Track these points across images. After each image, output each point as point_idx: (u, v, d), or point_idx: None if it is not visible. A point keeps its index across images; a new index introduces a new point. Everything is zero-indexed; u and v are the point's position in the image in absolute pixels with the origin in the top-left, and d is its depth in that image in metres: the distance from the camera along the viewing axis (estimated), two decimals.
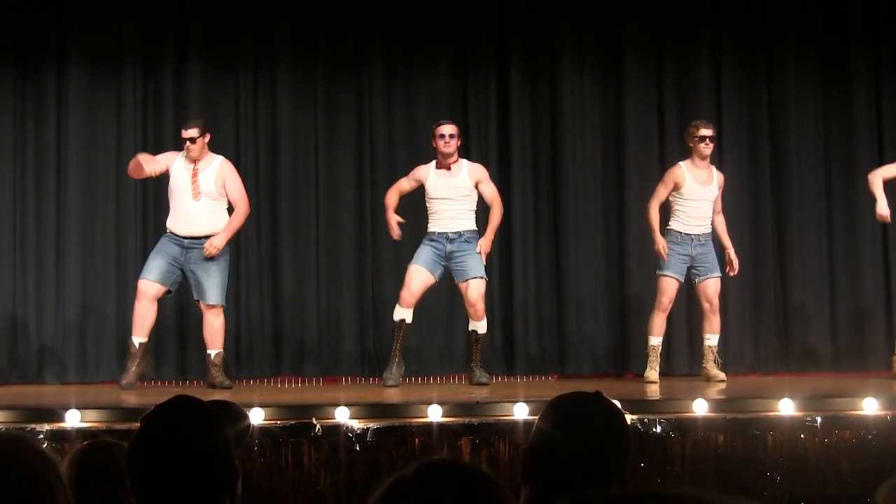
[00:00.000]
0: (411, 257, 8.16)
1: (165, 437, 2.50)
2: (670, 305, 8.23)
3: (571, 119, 9.55)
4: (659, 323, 8.21)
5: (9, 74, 9.18)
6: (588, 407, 2.66)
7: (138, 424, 2.59)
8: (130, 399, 6.98)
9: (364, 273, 9.39)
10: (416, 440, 5.49)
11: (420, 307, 8.28)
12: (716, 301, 8.19)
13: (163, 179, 8.06)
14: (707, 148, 8.12)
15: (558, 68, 9.57)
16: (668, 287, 8.14)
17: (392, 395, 7.28)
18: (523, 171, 9.54)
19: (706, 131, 8.14)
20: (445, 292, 8.72)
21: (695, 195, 8.12)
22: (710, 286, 8.17)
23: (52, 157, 9.18)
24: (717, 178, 8.21)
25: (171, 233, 7.87)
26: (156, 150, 8.72)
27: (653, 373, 8.12)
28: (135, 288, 8.05)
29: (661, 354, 8.29)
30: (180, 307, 8.94)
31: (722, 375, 8.05)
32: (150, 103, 9.31)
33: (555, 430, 2.57)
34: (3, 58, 9.19)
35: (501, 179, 9.43)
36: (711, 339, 8.20)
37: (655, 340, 8.20)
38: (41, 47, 9.22)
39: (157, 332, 8.52)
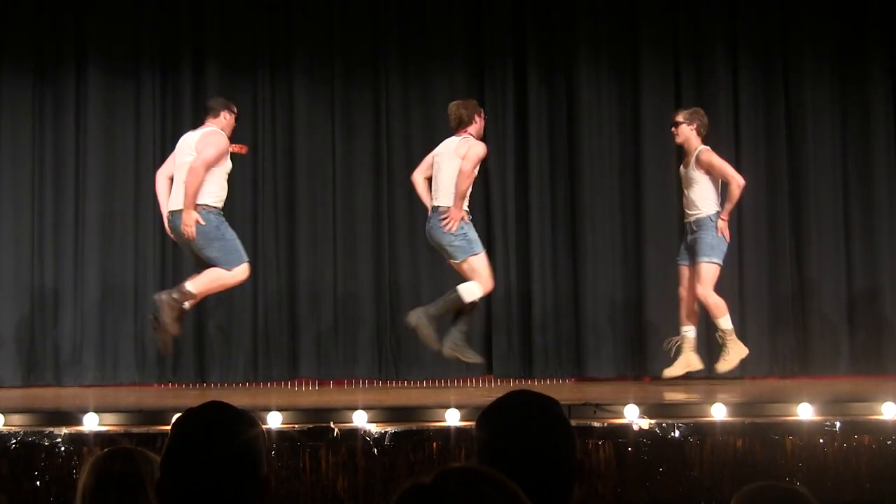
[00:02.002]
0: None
1: (200, 443, 2.48)
2: (681, 291, 8.26)
3: (588, 114, 9.53)
4: (681, 314, 8.27)
5: (27, 76, 9.24)
6: (519, 405, 2.67)
7: (169, 428, 2.57)
8: (149, 402, 6.99)
9: (381, 274, 9.39)
10: (434, 444, 5.48)
11: None
12: (695, 287, 8.19)
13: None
14: (675, 135, 8.26)
15: (575, 63, 9.54)
16: (678, 274, 8.27)
17: (410, 398, 7.27)
18: (540, 166, 9.52)
19: (674, 118, 8.31)
20: None
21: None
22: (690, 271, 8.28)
23: (70, 159, 9.22)
24: (693, 158, 8.20)
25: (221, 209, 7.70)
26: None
27: (685, 358, 8.15)
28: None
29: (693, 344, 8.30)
30: (196, 310, 8.95)
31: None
32: (168, 106, 9.35)
33: (490, 436, 2.59)
34: (22, 59, 9.24)
35: (518, 174, 9.42)
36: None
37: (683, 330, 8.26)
38: (59, 50, 9.27)
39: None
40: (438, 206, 7.80)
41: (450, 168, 7.78)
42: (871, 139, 9.55)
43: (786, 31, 9.65)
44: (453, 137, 7.91)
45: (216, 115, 7.77)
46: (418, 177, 8.02)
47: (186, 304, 7.50)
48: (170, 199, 7.61)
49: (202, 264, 7.57)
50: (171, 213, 7.56)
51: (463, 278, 7.83)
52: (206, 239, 7.45)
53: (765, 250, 9.41)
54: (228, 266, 7.51)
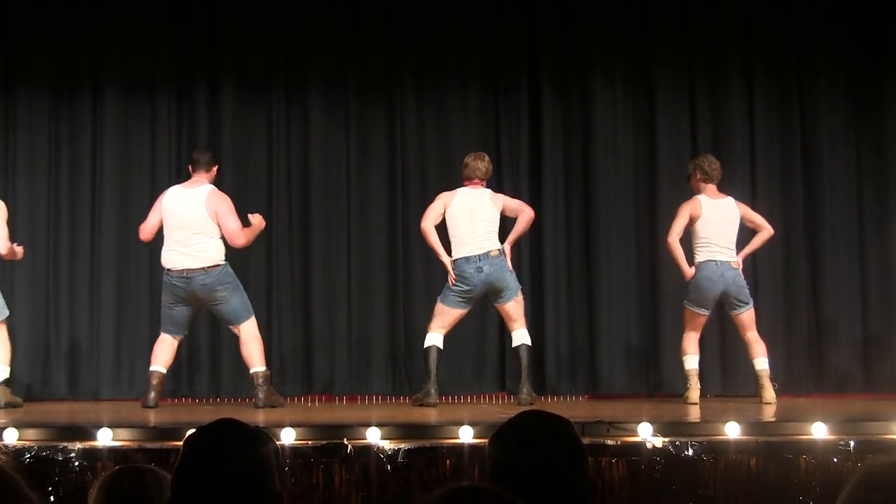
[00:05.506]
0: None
1: (212, 460, 2.48)
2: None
3: (603, 136, 9.54)
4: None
5: (44, 96, 9.28)
6: (531, 425, 2.73)
7: (182, 444, 2.58)
8: (163, 418, 7.00)
9: (395, 292, 9.41)
10: (448, 461, 5.48)
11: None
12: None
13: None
14: None
15: (590, 85, 9.57)
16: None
17: (424, 415, 7.26)
18: (555, 188, 9.53)
19: None
20: (476, 310, 8.72)
21: None
22: None
23: (86, 178, 9.27)
24: None
25: None
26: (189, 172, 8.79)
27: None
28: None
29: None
30: (211, 323, 8.98)
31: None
32: (183, 125, 9.39)
33: (502, 456, 2.63)
34: (39, 79, 9.29)
35: (533, 196, 9.41)
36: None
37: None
38: (76, 70, 9.33)
39: (188, 348, 8.57)
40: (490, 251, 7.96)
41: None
42: (886, 164, 9.54)
43: (801, 56, 9.65)
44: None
45: (208, 170, 7.98)
46: None
47: (262, 379, 7.80)
48: (174, 258, 7.77)
49: (186, 325, 7.93)
50: (188, 271, 7.73)
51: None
52: (231, 292, 7.81)
53: (780, 271, 9.39)
54: (248, 315, 7.87)
